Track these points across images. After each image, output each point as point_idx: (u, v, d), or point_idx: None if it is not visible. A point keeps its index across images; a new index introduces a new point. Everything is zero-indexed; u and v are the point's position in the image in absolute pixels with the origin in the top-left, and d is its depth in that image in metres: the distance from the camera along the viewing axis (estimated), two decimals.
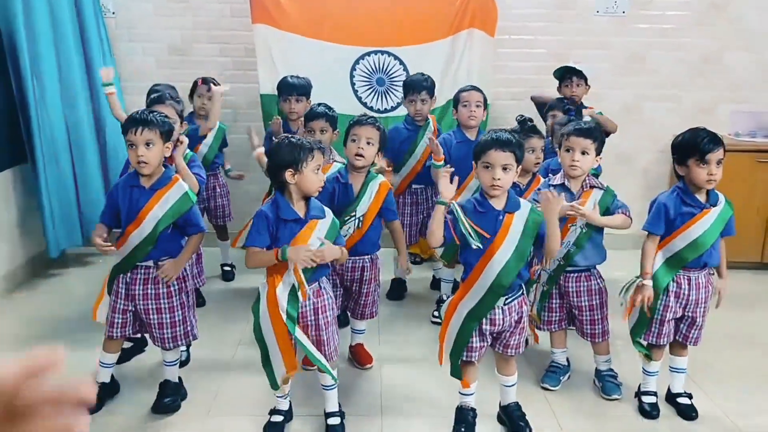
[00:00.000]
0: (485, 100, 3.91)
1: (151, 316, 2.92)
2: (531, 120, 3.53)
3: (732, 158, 4.75)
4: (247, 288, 4.46)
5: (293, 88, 4.10)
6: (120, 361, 3.41)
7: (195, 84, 4.36)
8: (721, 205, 2.90)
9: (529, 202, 2.81)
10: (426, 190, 4.22)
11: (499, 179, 2.60)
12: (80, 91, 4.68)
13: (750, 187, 4.84)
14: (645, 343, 3.03)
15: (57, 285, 4.60)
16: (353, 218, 3.20)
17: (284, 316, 2.63)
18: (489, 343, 2.77)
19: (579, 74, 4.27)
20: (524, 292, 2.79)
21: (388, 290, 4.35)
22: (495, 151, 2.62)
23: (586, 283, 3.13)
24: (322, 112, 3.60)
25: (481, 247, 2.61)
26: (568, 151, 3.03)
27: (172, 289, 2.93)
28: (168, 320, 2.93)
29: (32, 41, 4.31)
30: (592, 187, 3.08)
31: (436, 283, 4.42)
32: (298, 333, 2.65)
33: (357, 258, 3.24)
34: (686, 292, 2.92)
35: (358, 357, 3.47)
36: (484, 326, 2.70)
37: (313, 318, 2.71)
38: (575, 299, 3.14)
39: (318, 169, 2.66)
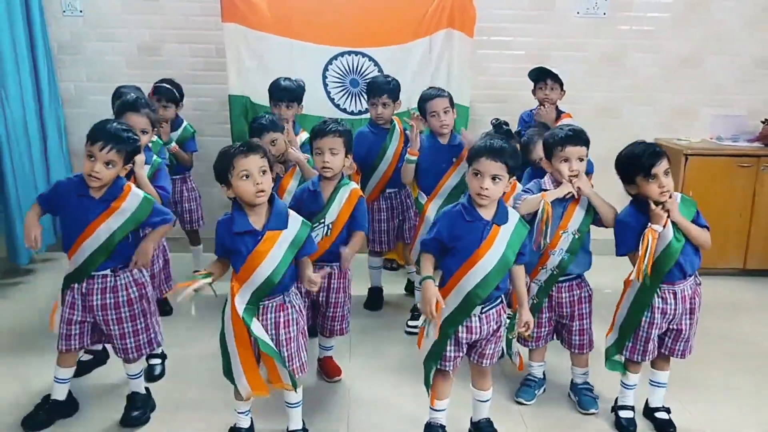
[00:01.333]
0: (451, 99, 3.72)
1: (112, 327, 2.78)
2: (506, 123, 3.42)
3: (713, 162, 4.76)
4: (214, 299, 4.29)
5: (284, 93, 3.91)
6: (79, 374, 3.27)
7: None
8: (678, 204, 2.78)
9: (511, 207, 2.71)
10: (399, 194, 4.09)
11: (486, 189, 2.49)
12: (30, 98, 4.56)
13: (731, 192, 4.75)
14: (622, 359, 2.92)
15: (20, 292, 4.41)
16: (322, 225, 3.08)
17: (229, 324, 2.55)
18: (464, 353, 2.66)
19: (555, 77, 4.16)
20: (503, 300, 2.68)
21: (365, 300, 4.22)
22: (486, 160, 2.50)
23: (578, 292, 3.02)
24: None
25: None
26: (565, 161, 2.90)
27: (132, 296, 2.79)
28: (130, 329, 2.80)
29: None
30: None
31: (410, 286, 4.32)
32: (256, 328, 2.52)
33: (324, 265, 3.10)
34: (672, 307, 2.80)
35: (326, 369, 3.33)
36: (460, 334, 2.59)
37: (273, 332, 2.57)
38: (567, 309, 3.02)
39: (247, 175, 2.46)
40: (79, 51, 4.94)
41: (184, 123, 4.35)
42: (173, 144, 4.21)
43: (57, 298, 2.84)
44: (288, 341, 2.58)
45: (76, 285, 2.75)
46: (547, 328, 3.08)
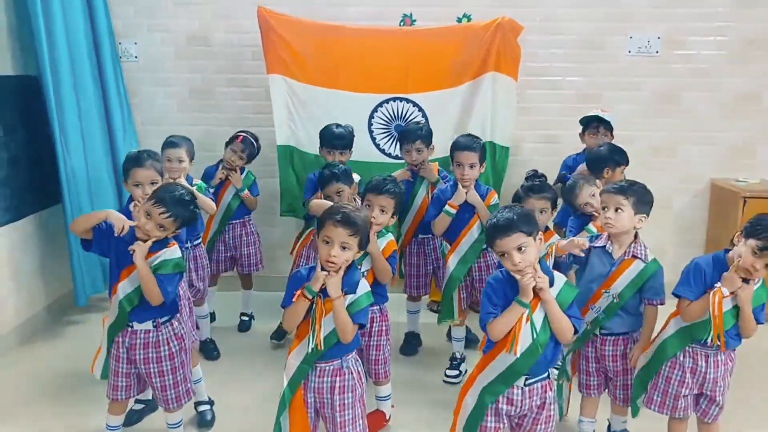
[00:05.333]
0: (483, 154, 3.68)
1: (154, 379, 2.85)
2: (541, 177, 3.36)
3: None
4: (261, 340, 4.33)
5: (339, 141, 3.95)
6: (131, 423, 3.34)
7: (235, 137, 4.32)
8: (759, 284, 2.63)
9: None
10: (433, 240, 4.04)
11: (520, 262, 2.39)
12: (99, 138, 4.69)
13: None
14: (655, 409, 2.83)
15: (77, 332, 4.51)
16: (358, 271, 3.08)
17: (285, 381, 2.54)
18: (505, 425, 2.55)
19: (606, 124, 4.07)
20: (550, 376, 2.57)
21: (401, 344, 4.18)
22: (503, 239, 2.41)
23: (622, 348, 2.94)
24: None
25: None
26: (603, 208, 2.88)
27: (173, 350, 2.86)
28: (171, 381, 2.87)
29: (57, 88, 4.32)
30: (634, 257, 2.85)
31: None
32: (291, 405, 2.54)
33: None
34: (703, 370, 2.71)
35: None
36: (500, 405, 2.49)
37: (329, 396, 2.56)
38: (611, 363, 2.95)
39: (327, 242, 2.46)
40: (134, 95, 5.06)
41: (246, 170, 4.44)
42: (245, 191, 4.33)
43: (102, 344, 2.91)
44: (342, 408, 2.56)
45: (120, 338, 2.82)
46: (596, 378, 3.00)
